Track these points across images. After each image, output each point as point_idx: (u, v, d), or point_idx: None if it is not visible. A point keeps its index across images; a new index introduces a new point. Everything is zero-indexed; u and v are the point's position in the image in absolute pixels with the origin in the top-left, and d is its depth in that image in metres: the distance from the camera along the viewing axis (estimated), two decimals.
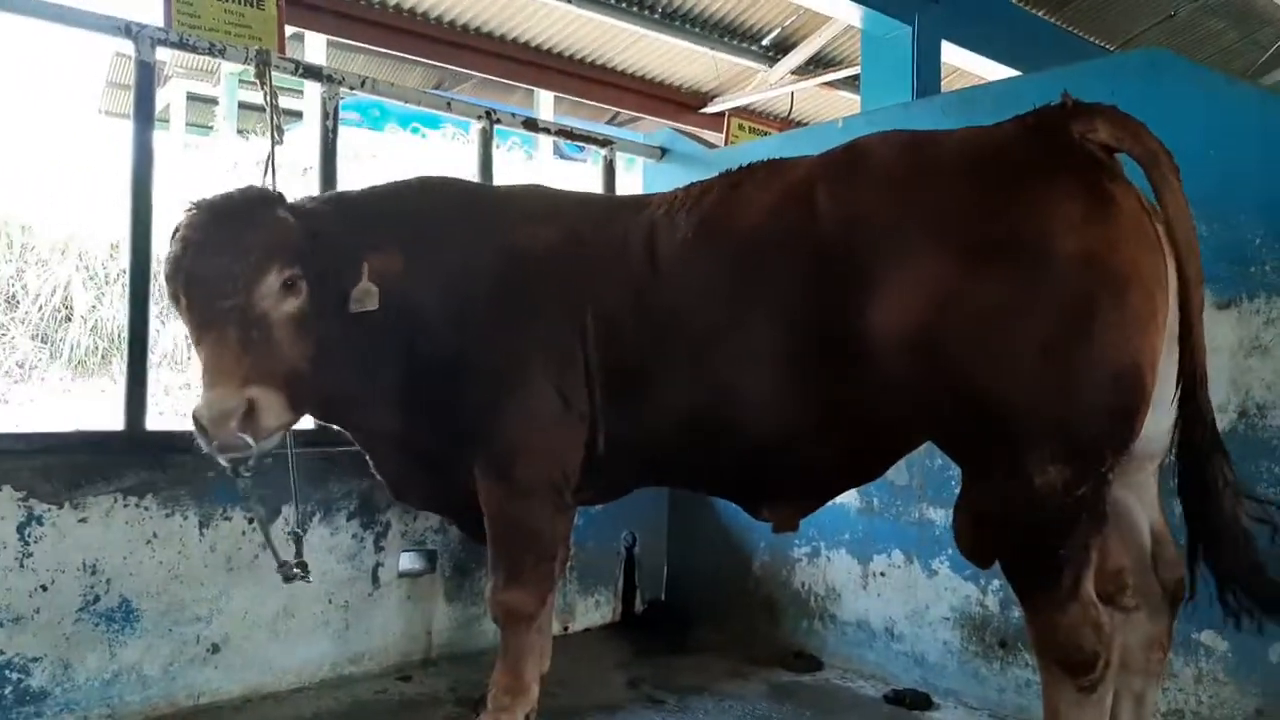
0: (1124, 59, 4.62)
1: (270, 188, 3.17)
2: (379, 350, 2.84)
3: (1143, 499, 2.41)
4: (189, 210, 2.70)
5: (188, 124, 15.12)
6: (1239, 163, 2.84)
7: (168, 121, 15.00)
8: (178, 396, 9.85)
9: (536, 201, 3.14)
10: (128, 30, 3.37)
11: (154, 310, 3.45)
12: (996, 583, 3.45)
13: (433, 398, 2.88)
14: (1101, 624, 2.17)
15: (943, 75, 7.98)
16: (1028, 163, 2.23)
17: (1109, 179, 2.16)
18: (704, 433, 2.67)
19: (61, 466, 3.09)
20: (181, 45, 3.58)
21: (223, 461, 2.59)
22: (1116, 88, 2.84)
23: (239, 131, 13.12)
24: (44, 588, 3.03)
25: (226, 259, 2.57)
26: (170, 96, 15.08)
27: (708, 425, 2.65)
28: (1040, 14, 9.20)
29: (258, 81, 3.55)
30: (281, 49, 4.01)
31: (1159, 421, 2.25)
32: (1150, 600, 2.40)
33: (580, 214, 3.01)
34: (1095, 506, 2.16)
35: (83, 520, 3.10)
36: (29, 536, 3.00)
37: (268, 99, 3.51)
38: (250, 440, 2.50)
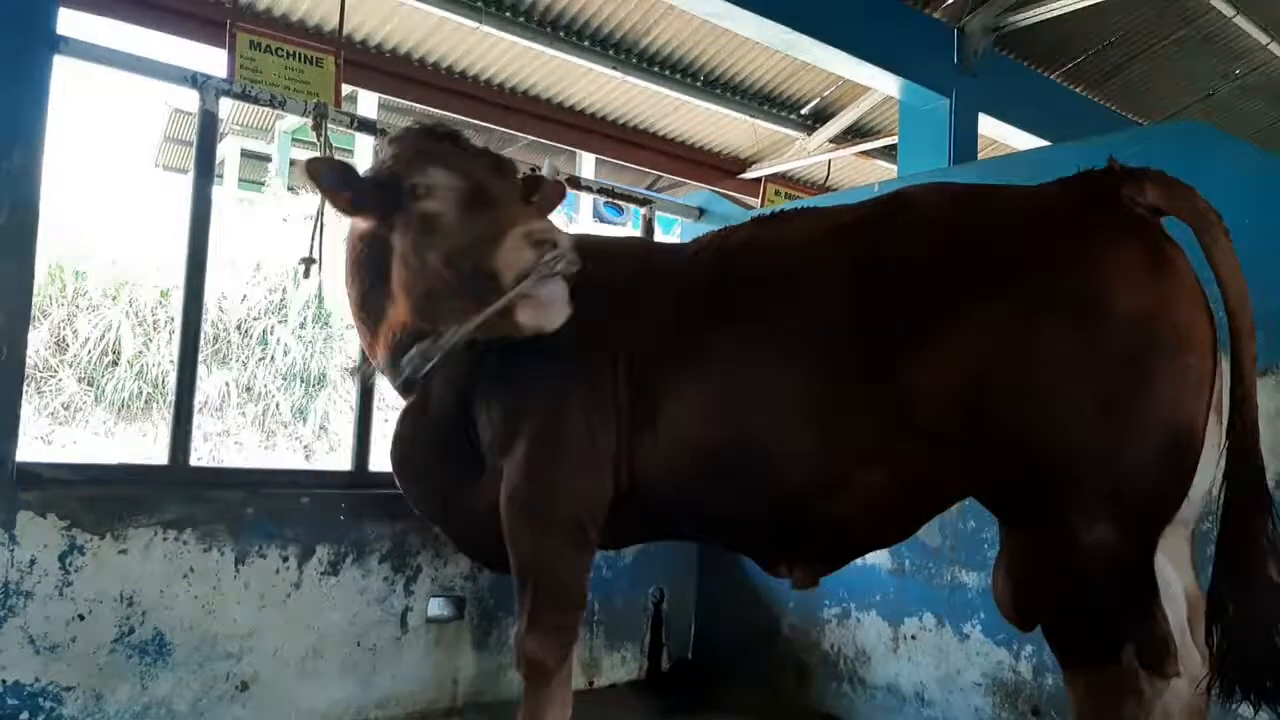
0: (1161, 129, 4.68)
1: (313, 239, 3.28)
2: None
3: (1177, 563, 2.37)
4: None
5: (241, 180, 15.60)
6: (1273, 231, 2.86)
7: (222, 177, 15.47)
8: (215, 443, 10.01)
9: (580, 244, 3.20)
10: (194, 80, 3.51)
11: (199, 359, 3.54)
12: (1030, 648, 3.40)
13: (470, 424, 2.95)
14: (1142, 691, 2.14)
15: (980, 147, 8.09)
16: (1084, 221, 2.25)
17: (1165, 244, 2.19)
18: (725, 477, 2.63)
19: (105, 498, 3.16)
20: (244, 96, 3.74)
21: None
22: (1153, 157, 2.86)
23: (289, 188, 13.52)
24: (81, 617, 3.08)
25: None
26: (226, 152, 15.57)
27: (728, 469, 2.61)
28: (1079, 90, 9.31)
29: (315, 133, 3.68)
30: (338, 104, 4.18)
31: (1196, 487, 2.24)
32: (1189, 668, 2.36)
33: (618, 254, 3.07)
34: (1143, 570, 2.14)
35: (123, 551, 3.16)
36: (70, 565, 3.06)
37: (322, 149, 3.64)
38: None
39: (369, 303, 2.98)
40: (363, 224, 2.90)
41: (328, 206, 3.61)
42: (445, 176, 2.73)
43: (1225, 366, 2.19)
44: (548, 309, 2.56)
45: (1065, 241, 2.24)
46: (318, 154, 3.56)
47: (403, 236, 2.75)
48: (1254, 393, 2.18)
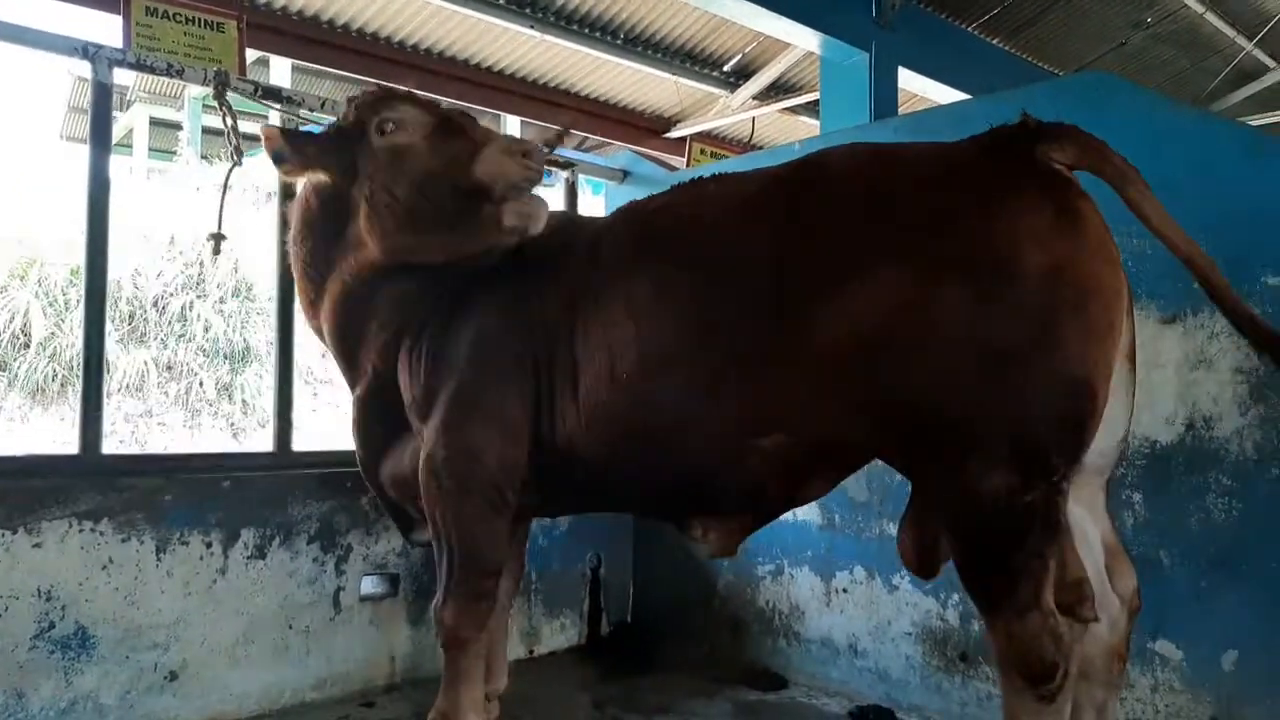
0: (1071, 81, 4.74)
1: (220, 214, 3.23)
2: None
3: (1093, 513, 2.44)
4: None
5: (151, 149, 15.05)
6: (1180, 181, 2.91)
7: (130, 147, 14.92)
8: (138, 425, 9.74)
9: None
10: (85, 51, 3.35)
11: (114, 335, 3.43)
12: (956, 596, 3.49)
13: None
14: (1061, 634, 2.19)
15: (900, 101, 8.16)
16: (992, 178, 2.26)
17: (1075, 195, 2.22)
18: (640, 439, 2.63)
19: (15, 491, 3.05)
20: (139, 66, 3.58)
21: None
22: (1063, 109, 2.90)
23: (203, 157, 13.07)
24: None
25: None
26: (133, 121, 15.00)
27: (639, 435, 2.61)
28: (995, 41, 9.43)
29: (217, 103, 3.54)
30: (241, 71, 4.01)
31: (1108, 436, 2.30)
32: (1108, 612, 2.44)
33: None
34: (1048, 516, 2.18)
35: (37, 545, 3.05)
36: None
37: (225, 120, 3.51)
38: None
39: (316, 257, 3.05)
40: (317, 178, 2.94)
41: (233, 178, 3.53)
42: (412, 110, 2.84)
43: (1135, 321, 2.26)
44: (534, 213, 2.72)
45: (969, 197, 2.25)
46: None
47: (370, 179, 2.82)
48: (1243, 307, 2.23)
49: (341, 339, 3.11)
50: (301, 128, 3.85)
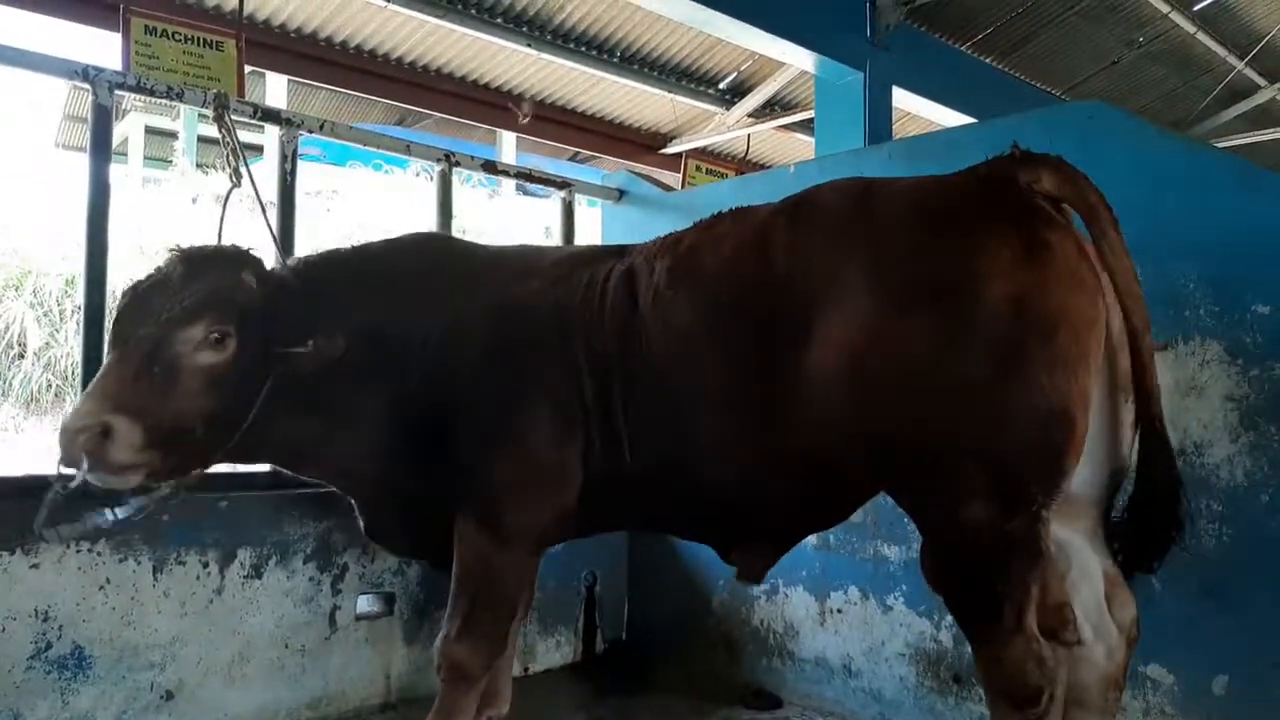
0: (1063, 110, 4.80)
1: (241, 245, 3.23)
2: (353, 402, 2.91)
3: (1093, 543, 2.47)
4: (170, 250, 2.82)
5: (146, 158, 15.03)
6: (1170, 209, 2.97)
7: (126, 155, 14.88)
8: None
9: (527, 258, 3.19)
10: (85, 74, 3.38)
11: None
12: (949, 618, 3.50)
13: (419, 443, 2.93)
14: (1045, 658, 2.23)
15: (894, 119, 8.22)
16: (966, 210, 2.32)
17: (1045, 226, 2.25)
18: (673, 475, 2.69)
19: (12, 511, 3.05)
20: (139, 89, 3.61)
21: (94, 480, 2.59)
22: (1055, 137, 2.95)
23: (198, 166, 13.06)
24: None
25: (164, 294, 2.69)
26: (128, 130, 14.97)
27: (675, 466, 2.68)
28: (988, 60, 9.50)
29: (217, 125, 3.56)
30: (240, 92, 4.04)
31: (1096, 466, 2.34)
32: (1106, 641, 2.46)
33: (570, 264, 3.05)
34: (1030, 544, 2.21)
35: (34, 566, 3.06)
36: None
37: (225, 142, 3.53)
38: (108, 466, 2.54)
39: None
40: None
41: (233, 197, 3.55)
42: None
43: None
44: None
45: (940, 229, 2.31)
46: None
47: None
48: (1155, 385, 2.28)
49: None
50: (300, 148, 3.90)
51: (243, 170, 3.53)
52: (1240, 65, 10.47)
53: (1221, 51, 10.24)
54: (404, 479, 3.00)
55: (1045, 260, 2.19)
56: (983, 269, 2.19)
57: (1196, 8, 9.41)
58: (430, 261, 3.19)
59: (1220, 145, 11.12)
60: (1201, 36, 9.85)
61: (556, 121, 9.96)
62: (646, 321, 2.72)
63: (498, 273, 3.10)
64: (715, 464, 2.61)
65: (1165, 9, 9.20)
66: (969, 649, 3.40)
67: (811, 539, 3.97)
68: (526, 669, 4.30)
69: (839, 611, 3.91)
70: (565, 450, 2.78)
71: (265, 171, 4.06)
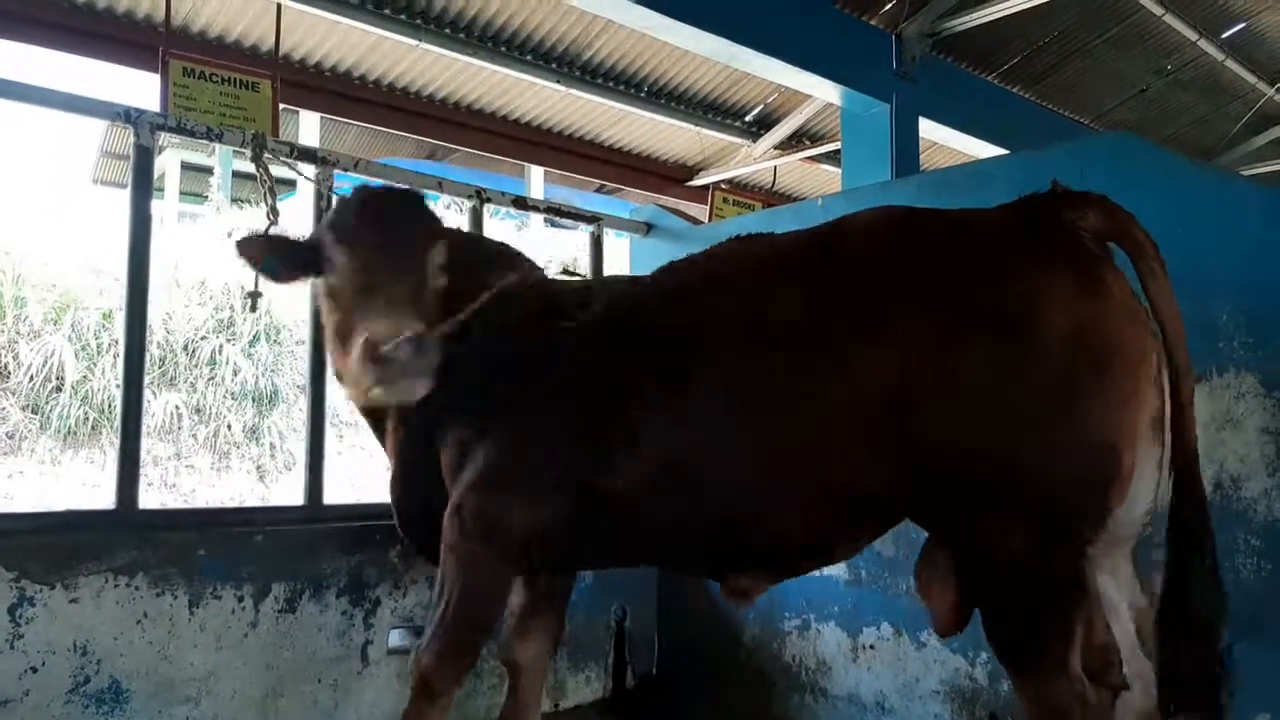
0: (1093, 141, 4.79)
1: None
2: None
3: (1116, 578, 2.44)
4: None
5: (182, 193, 15.32)
6: (1204, 241, 2.95)
7: (162, 191, 15.19)
8: (166, 467, 9.83)
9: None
10: (127, 116, 3.46)
11: (146, 380, 3.49)
12: (985, 655, 3.47)
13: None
14: (1088, 700, 2.19)
15: (921, 150, 8.23)
16: (1019, 243, 2.30)
17: (1098, 264, 2.25)
18: (675, 494, 2.62)
19: (53, 546, 3.10)
20: (180, 130, 3.69)
21: None
22: (1085, 169, 2.96)
23: (233, 200, 13.29)
24: (34, 669, 3.02)
25: None
26: (165, 165, 15.28)
27: (680, 486, 2.60)
28: (1015, 90, 9.50)
29: (254, 165, 3.64)
30: (275, 131, 4.14)
31: (1134, 506, 2.31)
32: (1142, 678, 2.42)
33: (585, 289, 3.07)
34: (1074, 580, 2.19)
35: (74, 601, 3.10)
36: (20, 618, 3.00)
37: (262, 182, 3.61)
38: None
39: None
40: None
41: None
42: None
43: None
44: None
45: (993, 262, 2.29)
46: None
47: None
48: (1193, 427, 2.25)
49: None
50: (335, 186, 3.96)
51: (279, 208, 3.61)
52: (1271, 91, 10.42)
53: (1251, 78, 10.20)
54: None
55: (1102, 294, 2.19)
56: (1041, 300, 2.18)
57: (1224, 35, 9.39)
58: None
59: (1252, 171, 11.04)
60: (1230, 64, 9.83)
61: (584, 155, 10.07)
62: (654, 342, 2.68)
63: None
64: (729, 492, 2.54)
65: (1194, 36, 9.18)
66: (1004, 686, 3.40)
67: (843, 574, 3.95)
68: (557, 705, 4.28)
69: (871, 648, 3.87)
70: (556, 468, 2.73)
71: (300, 202, 4.11)
